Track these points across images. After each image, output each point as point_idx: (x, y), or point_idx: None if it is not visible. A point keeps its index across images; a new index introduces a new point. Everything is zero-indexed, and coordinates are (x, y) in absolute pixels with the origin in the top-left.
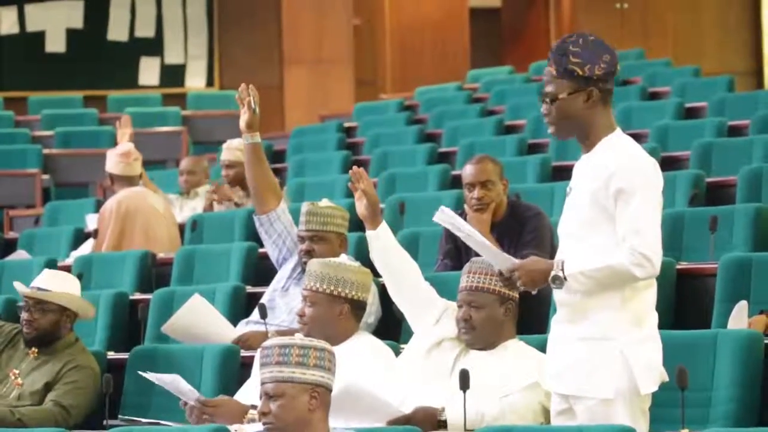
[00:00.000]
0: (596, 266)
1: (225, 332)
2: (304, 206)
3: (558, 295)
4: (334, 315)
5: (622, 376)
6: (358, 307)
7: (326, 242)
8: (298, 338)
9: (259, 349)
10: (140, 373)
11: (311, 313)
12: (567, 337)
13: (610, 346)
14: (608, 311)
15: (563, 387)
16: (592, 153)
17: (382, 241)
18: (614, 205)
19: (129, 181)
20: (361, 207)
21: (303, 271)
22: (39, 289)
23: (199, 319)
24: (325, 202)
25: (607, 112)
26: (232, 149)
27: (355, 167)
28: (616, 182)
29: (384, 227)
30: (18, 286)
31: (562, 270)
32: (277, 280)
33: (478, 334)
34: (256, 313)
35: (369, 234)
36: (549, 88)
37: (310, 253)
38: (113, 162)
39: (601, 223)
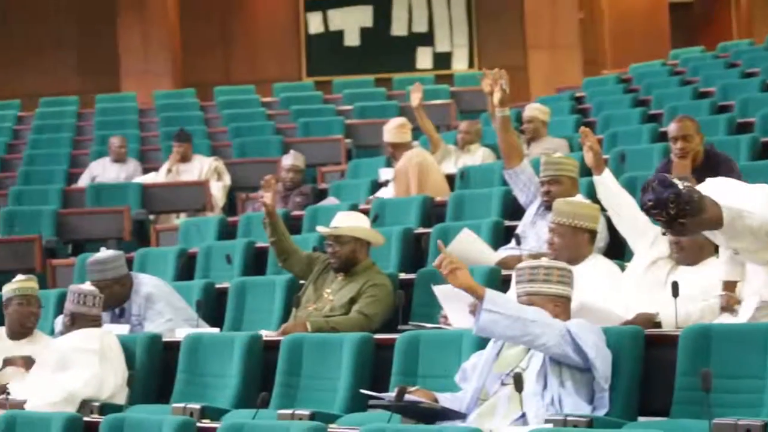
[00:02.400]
0: None
1: (489, 257)
2: (543, 157)
3: None
4: (576, 242)
5: None
6: (592, 235)
7: (561, 184)
8: (544, 261)
9: (515, 269)
10: (431, 287)
11: (558, 242)
12: None
13: None
14: None
15: None
16: None
17: (606, 184)
18: None
19: (405, 146)
20: (589, 158)
21: (546, 208)
22: (335, 227)
23: (469, 247)
24: (558, 154)
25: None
26: (532, 108)
27: (583, 127)
28: None
29: (607, 173)
30: (319, 228)
31: None
32: (526, 216)
33: (686, 254)
34: (512, 242)
35: (596, 179)
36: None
37: (549, 193)
38: (392, 133)
39: None
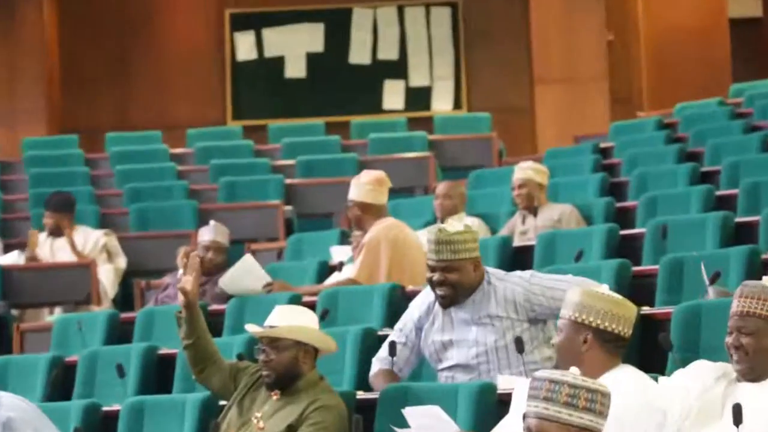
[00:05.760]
0: None
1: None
2: (432, 233)
3: None
4: (576, 343)
5: None
6: (609, 336)
7: (460, 272)
8: (571, 376)
9: (516, 386)
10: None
11: (558, 341)
12: None
13: None
14: None
15: None
16: None
17: None
18: None
19: (380, 210)
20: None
21: (443, 306)
22: (271, 327)
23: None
24: (454, 227)
25: None
26: (524, 168)
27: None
28: None
29: None
30: (249, 327)
31: None
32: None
33: (751, 363)
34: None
35: None
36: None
37: (443, 285)
38: (364, 190)
39: None
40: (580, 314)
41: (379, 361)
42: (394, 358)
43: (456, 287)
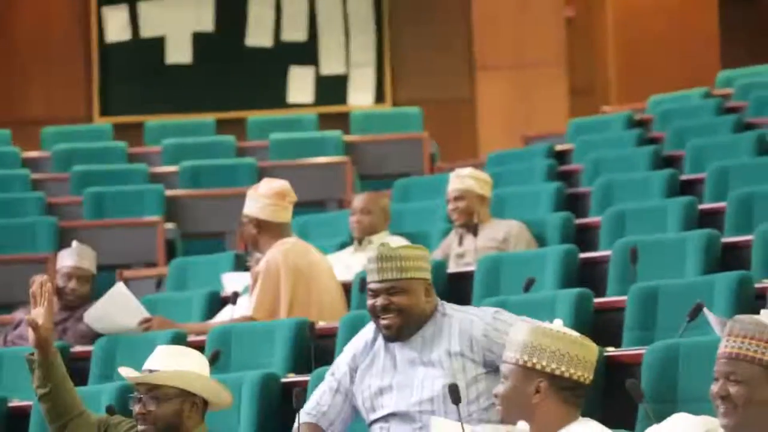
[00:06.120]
0: None
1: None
2: (373, 251)
3: None
4: (526, 392)
5: None
6: (562, 386)
7: (407, 294)
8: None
9: None
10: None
11: (501, 390)
12: None
13: None
14: None
15: None
16: None
17: None
18: None
19: (280, 229)
20: None
21: (387, 339)
22: (150, 371)
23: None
24: (397, 242)
25: None
26: (462, 177)
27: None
28: None
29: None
30: (123, 371)
31: None
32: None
33: (740, 418)
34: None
35: None
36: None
37: (387, 310)
38: (261, 204)
39: None
40: (530, 357)
41: (305, 414)
42: (324, 409)
43: (404, 313)
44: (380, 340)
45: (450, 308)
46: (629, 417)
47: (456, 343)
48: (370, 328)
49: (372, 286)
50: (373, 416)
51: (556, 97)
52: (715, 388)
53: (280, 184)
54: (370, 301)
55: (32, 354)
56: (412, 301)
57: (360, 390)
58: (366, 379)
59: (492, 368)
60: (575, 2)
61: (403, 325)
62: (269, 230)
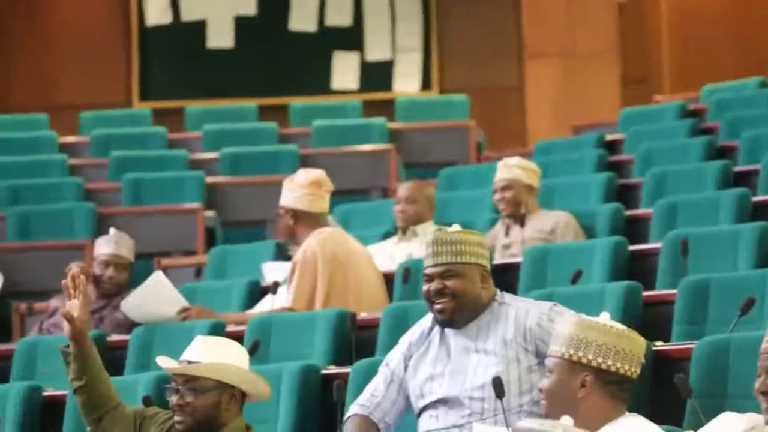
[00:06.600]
0: None
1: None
2: (430, 235)
3: None
4: (572, 387)
5: None
6: (612, 378)
7: (463, 277)
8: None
9: None
10: None
11: (546, 385)
12: None
13: None
14: None
15: None
16: None
17: None
18: None
19: (317, 219)
20: None
21: (441, 323)
22: (189, 362)
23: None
24: (456, 227)
25: None
26: (510, 166)
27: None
28: None
29: None
30: (162, 361)
31: None
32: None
33: None
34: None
35: None
36: None
37: (440, 293)
38: (298, 194)
39: None
40: (576, 351)
41: (357, 405)
42: (378, 399)
43: (458, 297)
44: (436, 330)
45: (509, 297)
46: (677, 412)
47: (511, 331)
48: (428, 318)
49: (427, 270)
50: (422, 402)
51: (607, 86)
52: (757, 384)
53: (316, 173)
54: (425, 287)
55: (67, 346)
56: (467, 286)
57: (413, 378)
58: (420, 367)
59: (544, 359)
60: None
61: (457, 310)
62: (306, 220)
